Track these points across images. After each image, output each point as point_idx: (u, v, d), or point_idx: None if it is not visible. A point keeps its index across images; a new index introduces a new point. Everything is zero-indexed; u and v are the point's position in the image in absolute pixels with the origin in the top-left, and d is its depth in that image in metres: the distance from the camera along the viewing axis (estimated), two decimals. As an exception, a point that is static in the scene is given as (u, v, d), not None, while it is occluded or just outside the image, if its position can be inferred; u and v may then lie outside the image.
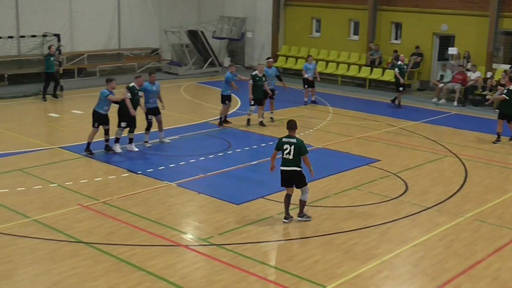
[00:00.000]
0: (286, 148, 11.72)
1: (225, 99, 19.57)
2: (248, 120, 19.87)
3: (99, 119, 16.08)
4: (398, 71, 23.96)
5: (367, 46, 28.90)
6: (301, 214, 12.01)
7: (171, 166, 15.34)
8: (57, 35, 24.25)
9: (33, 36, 24.41)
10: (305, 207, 12.05)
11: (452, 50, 26.00)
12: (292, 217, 11.97)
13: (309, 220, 11.99)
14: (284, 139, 11.84)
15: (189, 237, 11.27)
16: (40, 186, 13.63)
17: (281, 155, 11.84)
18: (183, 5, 32.82)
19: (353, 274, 9.89)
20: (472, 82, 24.68)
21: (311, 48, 31.21)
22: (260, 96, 19.84)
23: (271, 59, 21.45)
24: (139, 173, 14.75)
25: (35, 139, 17.62)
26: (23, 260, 10.10)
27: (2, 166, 15.03)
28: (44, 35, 24.40)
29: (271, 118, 20.54)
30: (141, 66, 30.62)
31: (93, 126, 16.09)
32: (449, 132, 20.02)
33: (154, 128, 17.22)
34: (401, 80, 23.79)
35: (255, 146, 17.54)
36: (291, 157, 11.67)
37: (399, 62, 24.31)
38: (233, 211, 12.51)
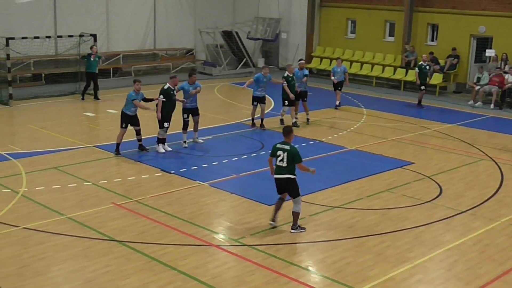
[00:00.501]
0: (280, 155, 11.29)
1: (253, 100, 19.47)
2: (281, 120, 19.85)
3: (127, 120, 16.21)
4: (418, 70, 24.17)
5: (403, 47, 28.63)
6: (294, 226, 11.51)
7: (204, 166, 15.40)
8: (94, 35, 24.56)
9: (70, 36, 24.73)
10: (298, 219, 11.58)
11: (489, 52, 25.58)
12: (276, 223, 11.63)
13: (303, 231, 11.51)
14: (278, 145, 11.42)
15: (220, 237, 11.30)
16: (75, 184, 13.82)
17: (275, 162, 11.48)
18: (218, 5, 32.95)
19: (385, 277, 9.80)
20: (509, 84, 24.28)
21: (346, 49, 31.07)
22: (287, 96, 19.82)
23: (302, 61, 21.08)
24: (172, 173, 14.85)
25: (71, 138, 17.87)
26: (58, 257, 10.25)
27: (38, 164, 15.27)
28: (81, 35, 24.74)
29: (307, 119, 20.45)
30: (175, 66, 30.83)
31: (121, 126, 16.21)
32: (485, 135, 19.72)
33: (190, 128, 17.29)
34: (417, 81, 24.16)
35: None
36: (284, 164, 11.24)
37: (421, 62, 24.39)
38: (265, 211, 12.50)
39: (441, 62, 27.28)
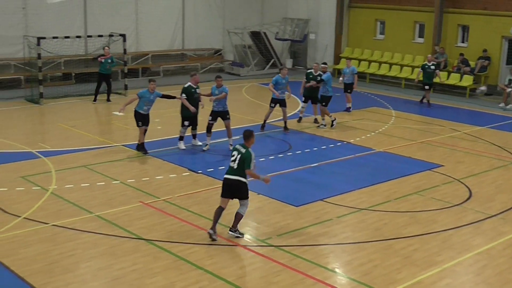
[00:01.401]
0: (233, 156, 10.95)
1: (271, 102, 19.09)
2: (300, 118, 20.15)
3: (140, 118, 16.27)
4: (421, 70, 24.55)
5: (432, 49, 28.35)
6: (234, 228, 11.14)
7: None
8: (123, 35, 24.74)
9: (100, 36, 24.95)
10: (240, 222, 11.22)
11: (521, 54, 25.27)
12: (215, 233, 10.96)
13: (241, 237, 11.13)
14: (237, 146, 11.07)
15: (247, 237, 11.29)
16: (103, 183, 13.94)
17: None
18: (246, 6, 33.00)
19: (413, 281, 9.71)
20: (541, 87, 23.93)
21: (375, 50, 30.90)
22: (311, 94, 19.83)
23: (324, 65, 20.43)
24: (200, 173, 14.89)
25: (100, 137, 18.04)
26: (86, 254, 10.34)
27: (68, 162, 15.44)
28: (110, 35, 24.95)
29: (319, 122, 20.11)
30: (204, 67, 30.95)
31: (137, 125, 16.31)
32: (516, 139, 19.45)
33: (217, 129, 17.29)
34: (416, 80, 24.82)
35: (316, 148, 17.44)
36: (235, 166, 10.85)
37: (425, 62, 24.75)
38: (292, 213, 12.48)
39: (472, 64, 26.97)
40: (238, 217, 11.11)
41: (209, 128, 16.86)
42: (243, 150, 10.89)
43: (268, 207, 12.81)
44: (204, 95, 16.92)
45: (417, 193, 13.92)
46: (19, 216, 11.76)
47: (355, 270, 10.06)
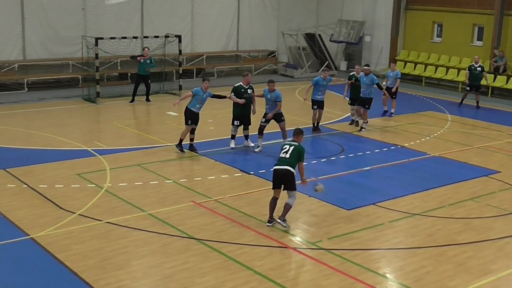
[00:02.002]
0: (285, 148, 11.59)
1: (313, 104, 19.08)
2: (352, 120, 20.13)
3: (191, 116, 16.36)
4: (468, 71, 24.30)
5: (492, 52, 27.69)
6: (282, 218, 11.52)
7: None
8: (179, 36, 25.01)
9: (156, 36, 25.28)
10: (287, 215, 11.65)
11: None
12: (275, 220, 11.60)
13: (287, 228, 11.45)
14: (288, 141, 11.92)
15: (297, 239, 11.26)
16: (156, 182, 14.11)
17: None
18: (302, 8, 32.95)
19: (467, 289, 9.51)
20: None
21: (431, 53, 30.39)
22: (355, 96, 19.83)
23: (366, 67, 20.03)
24: (251, 174, 14.92)
25: (154, 136, 18.27)
26: (138, 252, 10.49)
27: (122, 160, 15.70)
28: (166, 36, 25.26)
29: (360, 125, 19.89)
30: (258, 68, 31.02)
31: (186, 123, 16.40)
32: None
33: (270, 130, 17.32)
34: (467, 81, 24.34)
35: (369, 152, 17.26)
36: (287, 156, 11.44)
37: (472, 63, 24.58)
38: (344, 216, 12.37)
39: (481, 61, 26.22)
40: (287, 207, 11.51)
41: (261, 129, 16.91)
42: (296, 144, 11.62)
43: (319, 209, 12.74)
44: (257, 96, 16.98)
45: (473, 200, 13.61)
46: (74, 213, 12.01)
47: (406, 276, 9.90)
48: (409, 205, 13.10)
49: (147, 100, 23.49)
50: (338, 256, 10.52)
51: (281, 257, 10.47)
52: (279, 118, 16.90)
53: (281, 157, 11.55)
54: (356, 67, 20.40)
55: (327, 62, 31.72)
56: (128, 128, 19.27)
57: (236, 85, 16.86)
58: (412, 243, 11.23)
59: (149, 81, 23.41)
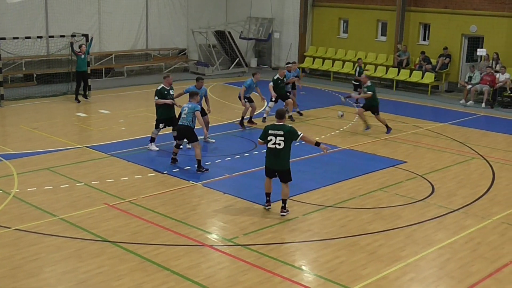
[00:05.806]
0: (271, 139, 12.08)
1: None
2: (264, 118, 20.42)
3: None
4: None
5: (395, 47, 28.70)
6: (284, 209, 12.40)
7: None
8: (86, 35, 24.48)
9: (62, 36, 24.60)
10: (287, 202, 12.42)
11: (481, 51, 25.73)
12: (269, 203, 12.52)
13: (268, 208, 12.50)
14: (271, 128, 12.18)
15: (214, 237, 11.30)
16: (67, 185, 13.78)
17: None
18: (210, 5, 32.96)
19: (378, 276, 9.83)
20: (500, 83, 24.42)
21: (338, 49, 31.13)
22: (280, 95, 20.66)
23: (289, 65, 21.68)
24: (165, 173, 14.83)
25: (63, 139, 17.82)
26: (50, 258, 10.22)
27: (30, 164, 15.23)
28: (73, 35, 24.65)
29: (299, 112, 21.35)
30: (168, 66, 30.82)
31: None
32: (476, 134, 19.80)
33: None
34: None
35: (281, 147, 17.48)
36: (281, 145, 12.01)
37: (356, 65, 25.74)
38: (259, 211, 12.51)
39: (433, 61, 27.40)
40: (284, 199, 12.32)
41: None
42: (284, 128, 12.00)
43: (234, 206, 12.82)
44: (177, 97, 16.91)
45: (382, 190, 14.09)
46: (-19, 221, 11.57)
47: (321, 267, 10.14)
48: (321, 198, 13.41)
49: (86, 97, 23.42)
50: (255, 251, 10.64)
51: (198, 255, 10.48)
52: (203, 112, 16.78)
53: (272, 151, 12.10)
54: (280, 69, 21.28)
55: (237, 59, 31.89)
56: (36, 131, 18.70)
57: (158, 88, 16.54)
58: (325, 234, 11.50)
59: (87, 77, 23.53)
